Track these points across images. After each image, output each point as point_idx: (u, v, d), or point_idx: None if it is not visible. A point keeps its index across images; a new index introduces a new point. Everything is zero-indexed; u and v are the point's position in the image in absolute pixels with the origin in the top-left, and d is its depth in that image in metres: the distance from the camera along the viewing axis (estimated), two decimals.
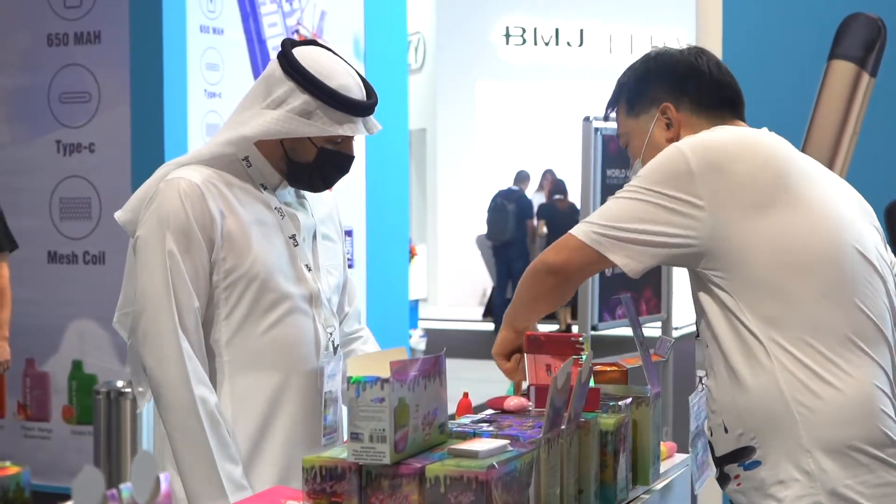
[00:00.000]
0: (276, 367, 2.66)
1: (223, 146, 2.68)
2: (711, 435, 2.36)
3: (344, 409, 2.74)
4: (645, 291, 5.32)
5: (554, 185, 14.39)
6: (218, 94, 5.85)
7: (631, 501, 2.39)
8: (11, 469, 1.21)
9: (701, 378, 2.44)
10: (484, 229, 14.77)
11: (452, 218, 16.91)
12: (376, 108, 2.71)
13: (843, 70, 4.34)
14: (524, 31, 16.45)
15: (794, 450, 2.20)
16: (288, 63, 2.65)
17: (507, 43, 16.54)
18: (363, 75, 2.76)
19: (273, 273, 2.65)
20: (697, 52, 2.52)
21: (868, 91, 4.32)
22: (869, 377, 2.21)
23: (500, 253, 14.31)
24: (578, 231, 2.34)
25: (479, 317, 15.59)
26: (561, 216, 14.00)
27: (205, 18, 5.80)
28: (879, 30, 4.30)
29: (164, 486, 1.30)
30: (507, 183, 14.73)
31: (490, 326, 14.73)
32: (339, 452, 1.98)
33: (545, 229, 14.11)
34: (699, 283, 2.33)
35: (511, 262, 14.23)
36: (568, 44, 16.34)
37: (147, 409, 2.73)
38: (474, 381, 9.34)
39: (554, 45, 16.39)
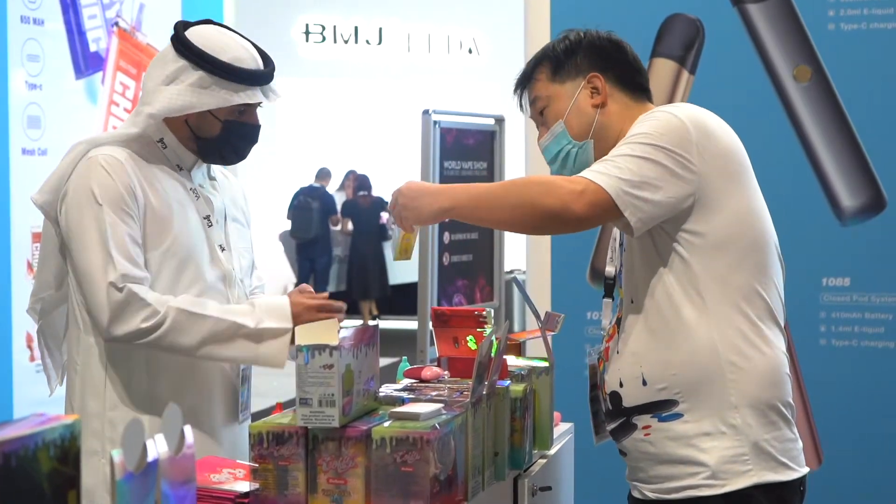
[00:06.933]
0: None
1: (132, 127, 2.68)
2: (621, 386, 2.45)
3: (253, 389, 2.80)
4: (479, 279, 5.47)
5: (358, 182, 14.49)
6: (39, 86, 5.73)
7: (533, 464, 2.53)
8: None
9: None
10: (287, 226, 14.74)
11: (255, 215, 16.80)
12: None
13: (664, 67, 4.55)
14: (323, 28, 16.47)
15: (722, 406, 2.38)
16: (179, 43, 2.68)
17: (307, 40, 16.52)
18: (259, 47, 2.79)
19: (191, 252, 2.67)
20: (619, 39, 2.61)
21: (688, 87, 4.56)
22: (781, 346, 2.44)
23: (304, 250, 14.32)
24: (608, 185, 2.31)
25: None
26: (365, 213, 14.12)
27: (25, 9, 5.68)
28: (698, 30, 4.53)
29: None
30: (309, 180, 14.74)
31: None
32: (283, 418, 2.05)
33: (350, 226, 14.22)
34: (653, 240, 2.41)
35: (314, 259, 14.26)
36: (367, 42, 16.45)
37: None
38: (279, 375, 9.30)
39: (353, 43, 16.48)
